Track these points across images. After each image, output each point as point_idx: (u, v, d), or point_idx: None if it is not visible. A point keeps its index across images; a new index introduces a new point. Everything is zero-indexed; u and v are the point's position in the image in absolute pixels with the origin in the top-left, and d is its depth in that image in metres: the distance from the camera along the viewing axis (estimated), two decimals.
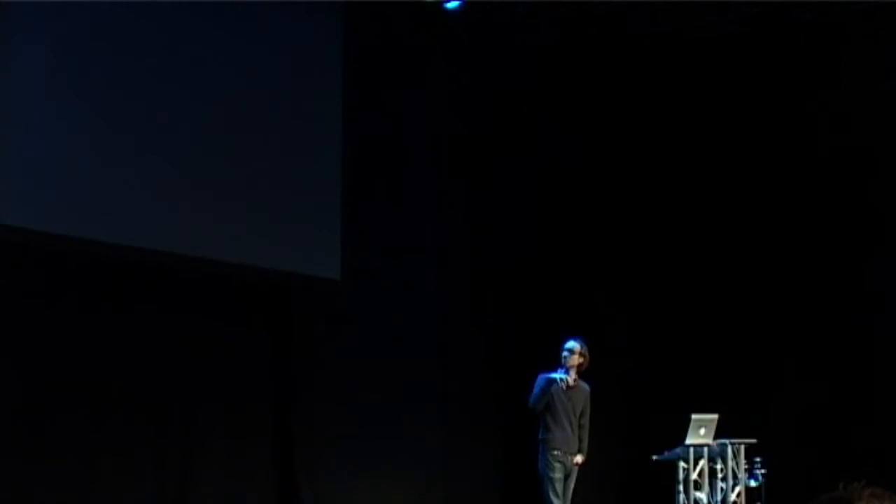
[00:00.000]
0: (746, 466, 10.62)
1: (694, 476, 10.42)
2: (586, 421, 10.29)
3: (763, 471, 10.61)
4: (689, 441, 10.40)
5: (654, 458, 10.57)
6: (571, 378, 10.22)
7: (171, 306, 10.03)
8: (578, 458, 10.22)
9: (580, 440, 10.24)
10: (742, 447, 10.61)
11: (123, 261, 9.70)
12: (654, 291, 12.71)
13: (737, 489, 10.58)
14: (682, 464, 10.46)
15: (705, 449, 10.46)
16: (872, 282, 11.86)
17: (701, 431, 10.42)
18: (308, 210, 10.95)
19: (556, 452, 10.10)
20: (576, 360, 10.24)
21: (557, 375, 10.12)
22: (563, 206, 12.98)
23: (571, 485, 10.18)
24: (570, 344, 10.29)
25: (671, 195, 12.80)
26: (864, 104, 11.84)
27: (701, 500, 10.45)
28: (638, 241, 12.85)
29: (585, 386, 10.36)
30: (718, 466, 10.57)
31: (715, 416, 10.47)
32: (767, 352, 12.21)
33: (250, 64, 10.59)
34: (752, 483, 10.63)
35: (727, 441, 10.53)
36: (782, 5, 11.68)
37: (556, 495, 10.05)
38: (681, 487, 10.44)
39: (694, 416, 10.40)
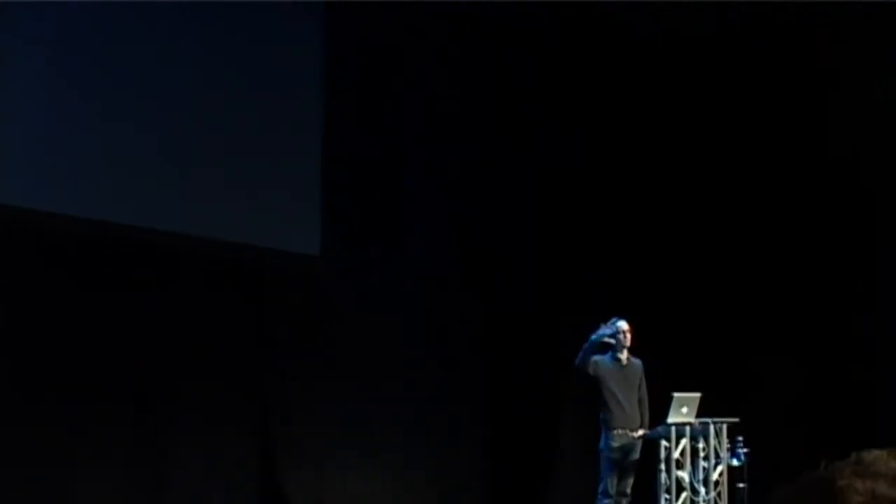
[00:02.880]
0: (729, 446, 10.55)
1: (676, 455, 10.36)
2: (644, 394, 10.56)
3: (745, 450, 10.53)
4: (670, 420, 10.34)
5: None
6: (625, 356, 10.53)
7: (148, 285, 9.92)
8: (640, 432, 10.44)
9: (641, 415, 10.48)
10: (724, 426, 10.53)
11: (96, 237, 9.58)
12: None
13: (719, 468, 10.51)
14: (663, 443, 10.40)
15: (687, 428, 10.40)
16: (858, 268, 11.86)
17: (683, 410, 10.37)
18: (288, 188, 10.90)
19: (617, 431, 10.36)
20: (630, 338, 10.52)
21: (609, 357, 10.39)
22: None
23: (636, 457, 10.39)
24: (623, 324, 10.53)
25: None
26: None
27: (683, 479, 10.40)
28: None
29: (638, 361, 10.63)
30: (700, 445, 10.49)
31: (697, 395, 10.41)
32: (750, 330, 12.18)
33: (236, 44, 10.56)
34: (735, 462, 10.56)
35: (709, 420, 10.47)
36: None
37: (611, 472, 10.33)
38: (663, 466, 10.38)
39: (676, 395, 10.34)
